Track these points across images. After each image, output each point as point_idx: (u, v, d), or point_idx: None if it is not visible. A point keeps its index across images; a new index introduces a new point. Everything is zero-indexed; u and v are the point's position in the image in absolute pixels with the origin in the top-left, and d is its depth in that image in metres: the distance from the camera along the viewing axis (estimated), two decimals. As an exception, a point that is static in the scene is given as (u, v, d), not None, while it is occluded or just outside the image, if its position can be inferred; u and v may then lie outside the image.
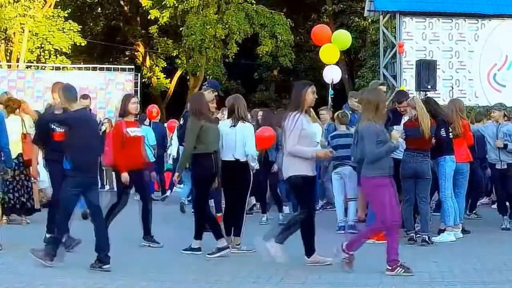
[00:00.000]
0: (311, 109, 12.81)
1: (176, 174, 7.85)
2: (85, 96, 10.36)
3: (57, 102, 7.90)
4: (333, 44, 16.50)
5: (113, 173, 17.14)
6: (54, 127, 7.94)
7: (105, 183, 17.66)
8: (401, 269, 6.61)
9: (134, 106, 8.31)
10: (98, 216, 7.11)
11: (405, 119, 9.07)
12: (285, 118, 7.17)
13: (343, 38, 16.84)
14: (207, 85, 9.97)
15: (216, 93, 9.78)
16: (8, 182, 10.12)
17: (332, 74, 16.51)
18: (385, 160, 6.79)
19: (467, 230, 9.44)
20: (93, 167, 7.25)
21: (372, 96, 6.97)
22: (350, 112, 10.53)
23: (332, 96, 16.31)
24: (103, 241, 6.94)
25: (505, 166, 10.02)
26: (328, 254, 7.27)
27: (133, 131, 8.26)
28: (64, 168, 7.13)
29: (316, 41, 17.45)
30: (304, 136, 7.05)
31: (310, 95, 7.18)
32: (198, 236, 7.96)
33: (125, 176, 8.12)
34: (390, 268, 6.64)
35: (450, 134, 8.90)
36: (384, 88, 9.43)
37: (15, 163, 10.12)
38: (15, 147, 10.10)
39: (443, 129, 8.74)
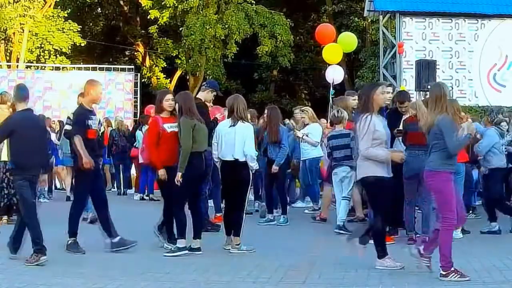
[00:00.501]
0: (310, 109, 12.88)
1: (179, 174, 7.81)
2: (82, 95, 10.33)
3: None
4: (337, 45, 16.51)
5: (113, 173, 17.32)
6: (90, 123, 7.99)
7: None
8: (455, 274, 6.37)
9: (168, 103, 8.20)
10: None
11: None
12: (357, 121, 7.12)
13: (349, 40, 16.85)
14: (206, 85, 9.96)
15: (215, 93, 9.78)
16: (13, 184, 10.17)
17: (334, 74, 16.51)
18: (455, 155, 6.74)
19: (466, 230, 9.46)
20: (34, 167, 7.37)
21: (444, 89, 6.84)
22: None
23: (333, 96, 16.34)
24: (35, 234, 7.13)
25: (487, 172, 10.05)
26: (329, 255, 7.27)
27: (170, 127, 8.15)
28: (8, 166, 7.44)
29: (320, 40, 17.44)
30: (377, 138, 6.94)
31: (380, 95, 7.06)
32: (197, 236, 7.97)
33: (162, 172, 8.05)
34: (444, 273, 6.41)
35: None
36: (390, 89, 9.38)
37: None
38: None
39: None
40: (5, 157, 10.11)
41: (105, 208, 8.11)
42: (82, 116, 7.97)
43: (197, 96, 9.62)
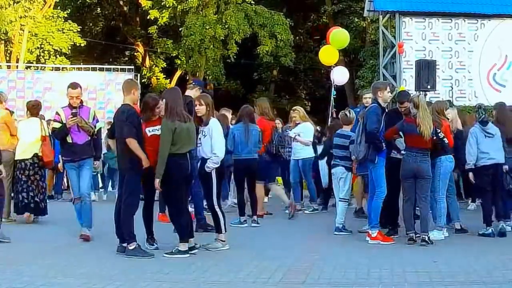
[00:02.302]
0: (301, 108, 12.92)
1: (156, 180, 7.70)
2: (74, 86, 9.03)
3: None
4: (331, 45, 16.51)
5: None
6: (140, 121, 8.07)
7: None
8: None
9: (158, 110, 8.10)
10: None
11: None
12: None
13: (340, 37, 16.82)
14: (194, 83, 9.96)
15: (201, 91, 9.79)
16: (22, 182, 10.24)
17: (339, 76, 16.52)
18: None
19: (465, 229, 9.52)
20: None
21: None
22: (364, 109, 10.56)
23: (334, 96, 16.37)
24: None
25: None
26: (328, 255, 7.26)
27: (150, 131, 8.01)
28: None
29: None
30: None
31: None
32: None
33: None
34: None
35: (441, 134, 8.89)
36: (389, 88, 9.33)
37: (30, 163, 10.26)
38: (32, 148, 10.26)
39: (438, 131, 8.75)
40: (18, 156, 10.24)
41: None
42: (137, 115, 7.93)
43: (186, 94, 9.61)
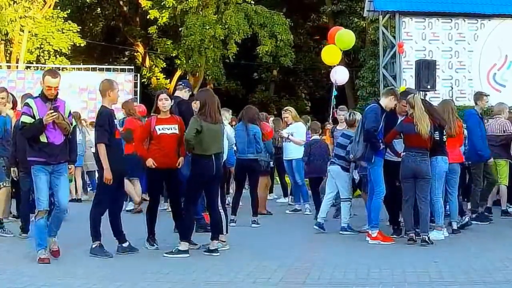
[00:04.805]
0: (293, 109, 12.91)
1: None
2: (53, 74, 7.55)
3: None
4: (335, 46, 16.50)
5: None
6: (116, 123, 8.08)
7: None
8: None
9: (161, 103, 8.12)
10: None
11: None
12: None
13: (347, 38, 16.84)
14: (183, 85, 9.94)
15: (190, 93, 9.82)
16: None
17: (339, 75, 16.50)
18: None
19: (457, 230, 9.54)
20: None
21: None
22: None
23: (335, 96, 16.37)
24: None
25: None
26: (329, 255, 7.26)
27: (161, 129, 8.01)
28: None
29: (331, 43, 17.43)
30: None
31: None
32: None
33: (150, 163, 8.00)
34: None
35: (444, 136, 8.90)
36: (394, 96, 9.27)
37: None
38: None
39: (437, 132, 8.74)
40: None
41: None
42: (110, 117, 7.85)
43: (176, 95, 9.65)
